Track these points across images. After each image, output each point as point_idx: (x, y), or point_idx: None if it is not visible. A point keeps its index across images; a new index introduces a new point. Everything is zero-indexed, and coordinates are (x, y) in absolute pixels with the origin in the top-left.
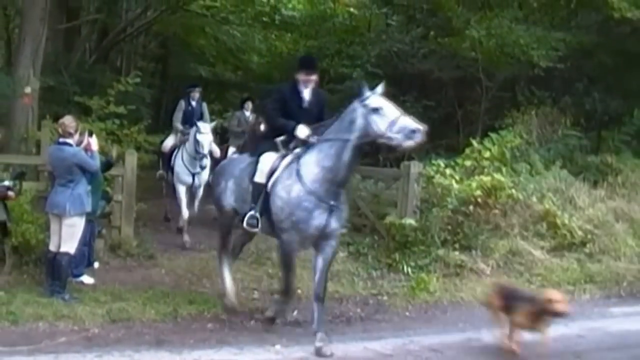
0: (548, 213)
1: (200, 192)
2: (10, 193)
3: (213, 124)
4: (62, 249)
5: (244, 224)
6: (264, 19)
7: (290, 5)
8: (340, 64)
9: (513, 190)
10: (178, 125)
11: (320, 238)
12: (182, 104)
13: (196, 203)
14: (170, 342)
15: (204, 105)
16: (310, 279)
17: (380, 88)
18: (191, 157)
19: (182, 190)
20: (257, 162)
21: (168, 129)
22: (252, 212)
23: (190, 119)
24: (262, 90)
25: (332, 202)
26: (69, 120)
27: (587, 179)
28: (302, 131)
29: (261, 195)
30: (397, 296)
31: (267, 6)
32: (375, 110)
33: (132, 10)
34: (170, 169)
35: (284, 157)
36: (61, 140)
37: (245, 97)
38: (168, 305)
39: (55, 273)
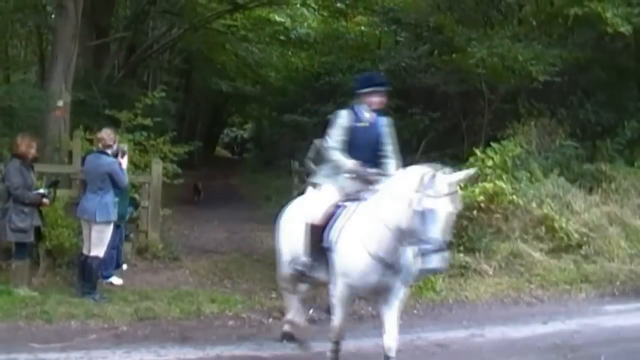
0: (547, 217)
1: (402, 297)
2: (45, 200)
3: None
4: (92, 253)
5: None
6: (281, 37)
7: (305, 24)
8: (351, 79)
9: (514, 196)
10: (339, 157)
11: None
12: (343, 116)
13: (391, 331)
14: (194, 338)
15: (383, 121)
16: None
17: None
18: (396, 239)
19: (347, 297)
20: None
21: (191, 139)
22: None
23: (364, 149)
24: (279, 103)
25: None
26: (107, 134)
27: (582, 186)
28: None
29: None
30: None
31: (282, 26)
32: None
33: (157, 29)
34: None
35: None
36: (99, 149)
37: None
38: (192, 304)
39: (86, 275)
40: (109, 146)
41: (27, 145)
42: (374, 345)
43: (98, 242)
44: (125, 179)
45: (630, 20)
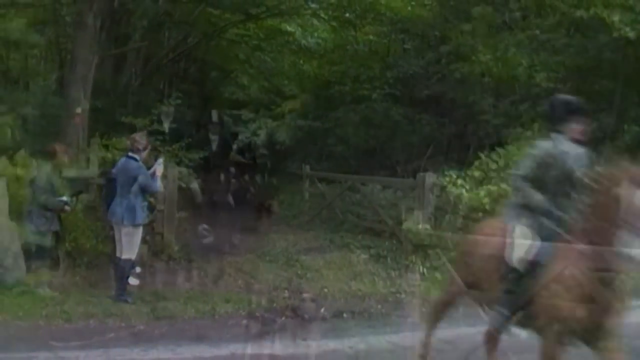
0: None
1: None
2: (67, 208)
3: None
4: (124, 256)
5: None
6: (292, 46)
7: (315, 34)
8: (360, 87)
9: None
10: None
11: None
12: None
13: None
14: (208, 337)
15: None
16: (337, 278)
17: None
18: None
19: None
20: None
21: (205, 146)
22: None
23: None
24: (291, 110)
25: None
26: (139, 137)
27: None
28: None
29: None
30: (414, 294)
31: (292, 36)
32: None
33: (173, 38)
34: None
35: None
36: (130, 154)
37: (573, 102)
38: (207, 303)
39: (116, 276)
40: (138, 150)
41: (64, 153)
42: (383, 342)
43: (128, 246)
44: (156, 185)
45: (634, 26)
